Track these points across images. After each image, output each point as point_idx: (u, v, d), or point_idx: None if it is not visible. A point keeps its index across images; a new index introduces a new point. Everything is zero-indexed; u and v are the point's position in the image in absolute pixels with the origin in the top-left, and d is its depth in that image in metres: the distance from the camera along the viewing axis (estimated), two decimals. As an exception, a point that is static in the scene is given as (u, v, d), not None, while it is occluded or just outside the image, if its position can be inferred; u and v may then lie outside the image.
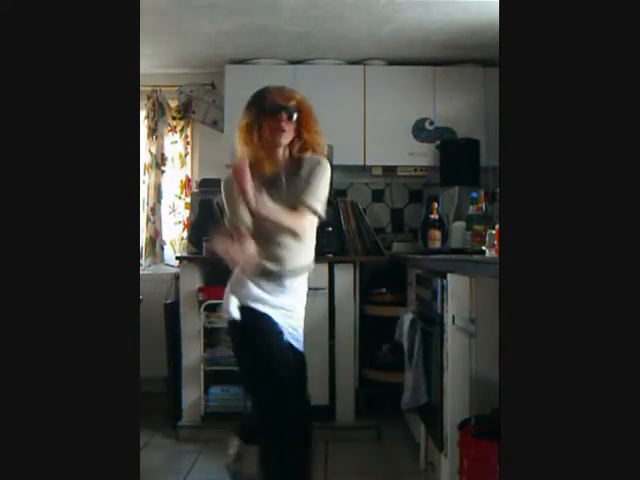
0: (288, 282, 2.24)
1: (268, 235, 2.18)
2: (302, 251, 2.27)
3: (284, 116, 2.19)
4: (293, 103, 2.22)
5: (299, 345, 2.30)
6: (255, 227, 2.17)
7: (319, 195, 2.20)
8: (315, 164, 2.24)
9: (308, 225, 2.21)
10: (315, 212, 2.19)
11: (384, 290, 3.68)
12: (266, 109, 2.22)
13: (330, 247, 3.59)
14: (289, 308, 2.26)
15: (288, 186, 2.21)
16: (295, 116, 2.22)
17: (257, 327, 2.21)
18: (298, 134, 2.25)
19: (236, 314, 2.18)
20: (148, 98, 4.19)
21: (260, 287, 2.21)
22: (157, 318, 3.76)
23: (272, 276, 2.22)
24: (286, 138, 2.22)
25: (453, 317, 2.22)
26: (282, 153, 2.25)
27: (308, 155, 2.26)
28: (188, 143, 4.35)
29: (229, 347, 3.51)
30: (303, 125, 2.25)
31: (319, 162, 2.25)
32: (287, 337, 2.24)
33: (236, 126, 2.30)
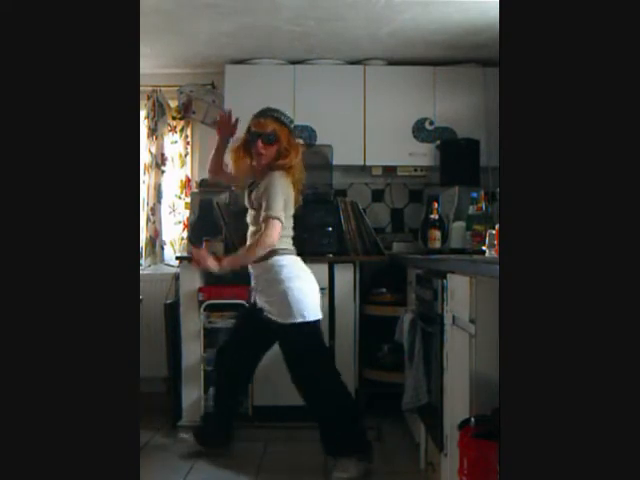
0: None
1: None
2: None
3: (260, 143, 2.77)
4: (269, 130, 2.77)
5: None
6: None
7: (274, 205, 2.70)
8: (264, 184, 2.76)
9: (274, 230, 2.70)
10: (277, 218, 2.69)
11: (384, 290, 3.68)
12: (248, 137, 2.83)
13: (330, 247, 3.59)
14: None
15: (255, 191, 2.82)
16: (272, 140, 2.78)
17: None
18: (278, 152, 2.79)
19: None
20: (148, 98, 4.19)
21: None
22: (157, 318, 3.76)
23: None
24: (265, 159, 2.80)
25: (453, 317, 2.22)
26: (262, 170, 2.82)
27: (266, 175, 2.79)
28: (188, 143, 4.35)
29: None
30: (279, 145, 2.79)
31: (268, 181, 2.76)
32: None
33: (230, 150, 2.94)
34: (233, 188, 3.64)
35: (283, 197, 2.75)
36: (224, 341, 3.07)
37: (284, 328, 2.77)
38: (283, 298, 2.75)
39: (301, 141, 3.88)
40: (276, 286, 2.77)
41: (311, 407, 2.89)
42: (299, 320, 2.75)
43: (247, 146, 2.85)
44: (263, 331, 2.89)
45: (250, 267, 2.87)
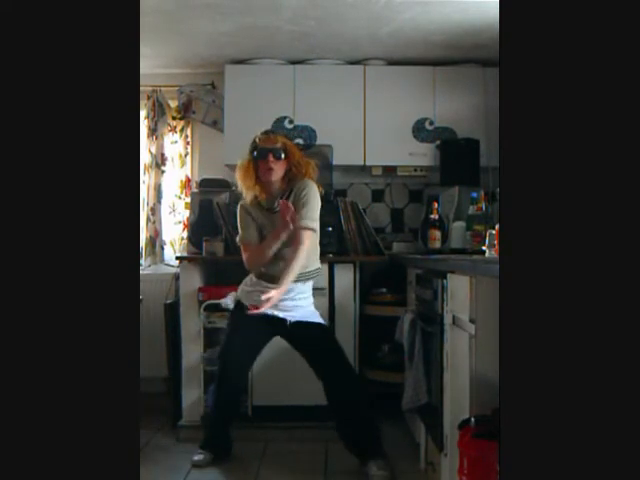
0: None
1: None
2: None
3: (270, 157, 2.73)
4: (279, 145, 2.74)
5: None
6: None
7: (312, 215, 2.73)
8: (302, 189, 2.76)
9: (307, 240, 2.71)
10: (313, 229, 2.73)
11: (384, 290, 3.68)
12: (256, 154, 2.76)
13: (330, 247, 3.59)
14: None
15: (293, 197, 2.76)
16: (282, 155, 2.74)
17: None
18: (289, 168, 2.78)
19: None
20: (148, 98, 4.19)
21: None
22: (157, 318, 3.76)
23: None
24: (275, 175, 2.76)
25: (453, 317, 2.22)
26: (277, 185, 2.79)
27: (298, 182, 2.78)
28: (188, 143, 4.35)
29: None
30: (290, 160, 2.77)
31: (305, 186, 2.76)
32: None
33: (237, 168, 2.85)
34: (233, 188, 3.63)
35: (319, 208, 2.80)
36: (225, 347, 2.98)
37: (316, 326, 2.88)
38: (312, 308, 2.92)
39: (301, 141, 3.89)
40: (307, 301, 2.90)
41: (341, 407, 2.90)
42: (323, 322, 2.95)
43: (255, 164, 2.78)
44: (269, 333, 2.92)
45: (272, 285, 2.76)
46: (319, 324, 2.92)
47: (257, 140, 2.79)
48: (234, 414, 3.12)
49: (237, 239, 2.92)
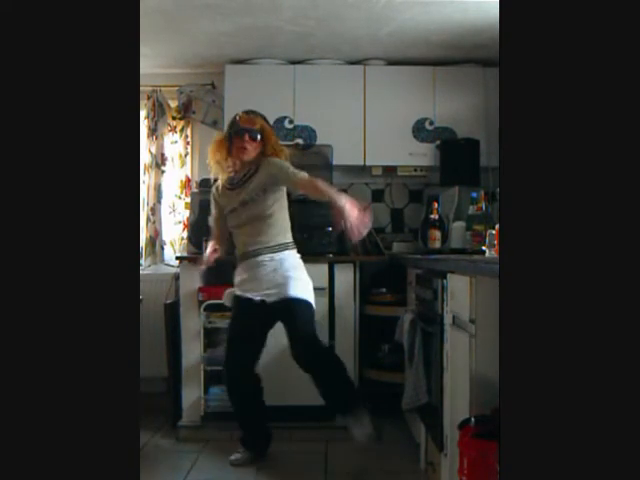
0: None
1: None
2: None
3: (247, 137, 2.78)
4: (257, 127, 2.79)
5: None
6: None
7: (296, 170, 2.70)
8: (269, 162, 2.79)
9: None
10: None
11: (384, 290, 3.68)
12: (233, 131, 2.82)
13: (330, 247, 3.59)
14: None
15: (248, 184, 2.81)
16: (259, 137, 2.79)
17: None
18: (262, 151, 2.82)
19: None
20: (148, 98, 4.19)
21: None
22: (157, 318, 3.76)
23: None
24: (249, 155, 2.80)
25: (453, 317, 2.22)
26: (246, 165, 2.84)
27: (263, 160, 2.81)
28: (188, 143, 4.35)
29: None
30: (265, 143, 2.82)
31: (271, 160, 2.79)
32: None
33: (211, 142, 2.95)
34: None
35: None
36: (227, 346, 2.97)
37: (288, 302, 2.78)
38: (291, 281, 2.80)
39: (301, 141, 3.89)
40: (284, 276, 2.81)
41: (314, 370, 2.85)
42: (303, 297, 2.81)
43: (229, 142, 2.84)
44: (266, 323, 2.91)
45: (249, 263, 2.85)
46: (298, 302, 2.81)
47: (237, 118, 2.83)
48: (256, 408, 3.04)
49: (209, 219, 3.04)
